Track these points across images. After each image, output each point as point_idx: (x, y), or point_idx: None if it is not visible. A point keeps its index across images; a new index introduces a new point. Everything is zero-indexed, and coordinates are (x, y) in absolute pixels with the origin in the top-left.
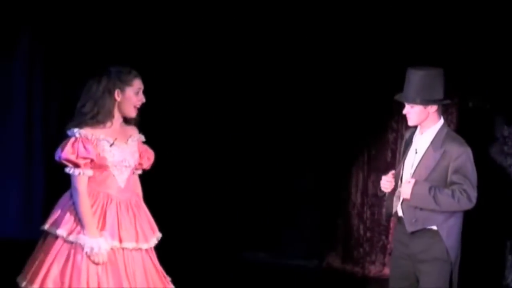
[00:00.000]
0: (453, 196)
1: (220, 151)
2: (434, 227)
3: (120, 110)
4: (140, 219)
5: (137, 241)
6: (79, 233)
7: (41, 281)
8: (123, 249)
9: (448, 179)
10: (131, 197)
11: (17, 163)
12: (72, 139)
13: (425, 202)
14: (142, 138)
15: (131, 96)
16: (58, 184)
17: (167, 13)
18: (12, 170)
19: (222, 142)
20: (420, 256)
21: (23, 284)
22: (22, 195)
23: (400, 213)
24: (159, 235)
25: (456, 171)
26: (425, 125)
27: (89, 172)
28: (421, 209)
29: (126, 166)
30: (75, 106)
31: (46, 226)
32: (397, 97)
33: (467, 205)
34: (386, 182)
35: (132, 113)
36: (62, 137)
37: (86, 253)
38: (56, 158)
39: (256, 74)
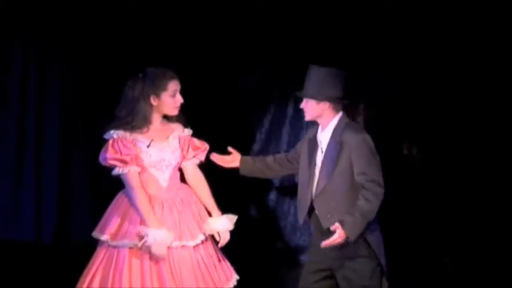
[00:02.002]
0: (369, 200)
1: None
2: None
3: (159, 112)
4: (185, 217)
5: (180, 239)
6: (122, 237)
7: (88, 284)
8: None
9: (355, 169)
10: (175, 196)
11: (8, 164)
12: (111, 141)
13: (360, 226)
14: (187, 132)
15: (168, 100)
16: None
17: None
18: (2, 172)
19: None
20: (343, 253)
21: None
22: (12, 195)
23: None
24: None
25: (359, 160)
26: (323, 122)
27: (137, 168)
28: (334, 203)
29: (166, 165)
30: (74, 106)
31: (94, 233)
32: (297, 93)
33: (381, 194)
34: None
35: (173, 113)
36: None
37: (145, 242)
38: (102, 162)
39: None
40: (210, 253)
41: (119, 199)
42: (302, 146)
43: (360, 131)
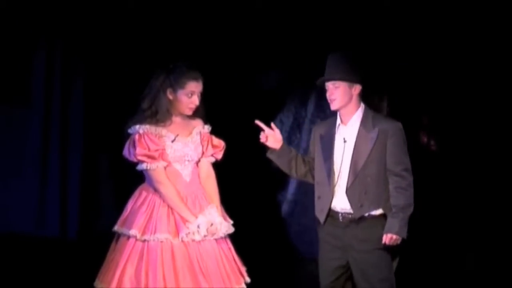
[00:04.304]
0: (405, 190)
1: None
2: (377, 212)
3: (175, 108)
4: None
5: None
6: (153, 232)
7: (118, 281)
8: (193, 241)
9: (391, 158)
10: (197, 190)
11: (34, 160)
12: (137, 136)
13: (406, 222)
14: (206, 129)
15: (182, 98)
16: (73, 182)
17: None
18: (28, 168)
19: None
20: (359, 247)
21: (100, 286)
22: (37, 192)
23: (334, 207)
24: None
25: (396, 148)
26: (347, 112)
27: (164, 163)
28: (365, 193)
29: (189, 160)
30: (96, 104)
31: (117, 227)
32: (319, 81)
33: (412, 181)
34: (263, 134)
35: (186, 112)
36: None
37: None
38: (129, 157)
39: None
40: (229, 246)
41: (142, 194)
42: (314, 146)
43: (392, 119)
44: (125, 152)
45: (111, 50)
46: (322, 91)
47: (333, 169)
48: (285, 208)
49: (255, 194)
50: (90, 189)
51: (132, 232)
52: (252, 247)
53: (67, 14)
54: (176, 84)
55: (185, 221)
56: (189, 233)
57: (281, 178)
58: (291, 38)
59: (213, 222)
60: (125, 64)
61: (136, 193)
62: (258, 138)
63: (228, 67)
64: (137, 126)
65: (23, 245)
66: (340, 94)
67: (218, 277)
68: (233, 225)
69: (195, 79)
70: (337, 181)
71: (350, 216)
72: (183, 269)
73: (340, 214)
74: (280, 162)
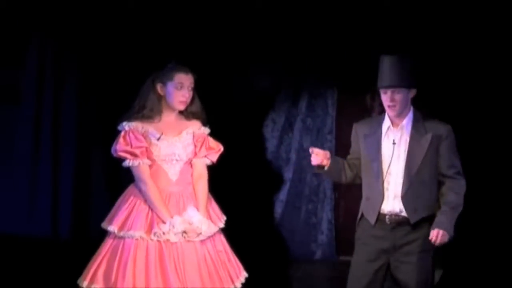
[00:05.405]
0: (458, 193)
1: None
2: (424, 215)
3: (169, 105)
4: None
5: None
6: (129, 228)
7: (90, 278)
8: (170, 242)
9: (443, 161)
10: (183, 190)
11: (24, 159)
12: (123, 133)
13: (454, 221)
14: (203, 130)
15: (173, 91)
16: (65, 181)
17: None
18: (18, 167)
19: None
20: (404, 248)
21: (78, 282)
22: (28, 191)
23: (382, 210)
24: (217, 225)
25: (449, 151)
26: (401, 114)
27: (148, 161)
28: (419, 197)
29: (177, 160)
30: (89, 102)
31: (103, 224)
32: (384, 86)
33: (465, 185)
34: (316, 156)
35: (178, 107)
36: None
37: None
38: (113, 153)
39: None
40: (218, 249)
41: (129, 191)
42: (359, 145)
43: (442, 122)
44: (111, 149)
45: (104, 47)
46: (314, 90)
47: (381, 171)
48: (277, 209)
49: (247, 195)
50: (83, 188)
51: (111, 228)
52: (244, 247)
53: (59, 11)
54: (165, 77)
55: (160, 221)
56: (161, 232)
57: (274, 179)
58: (283, 37)
59: (190, 221)
60: (120, 62)
61: (125, 190)
62: (253, 138)
63: (224, 67)
64: (124, 123)
65: (14, 245)
66: (400, 99)
67: (195, 278)
68: (226, 225)
69: (183, 71)
70: (385, 182)
71: (398, 218)
72: (155, 268)
73: (387, 216)
74: (331, 176)
